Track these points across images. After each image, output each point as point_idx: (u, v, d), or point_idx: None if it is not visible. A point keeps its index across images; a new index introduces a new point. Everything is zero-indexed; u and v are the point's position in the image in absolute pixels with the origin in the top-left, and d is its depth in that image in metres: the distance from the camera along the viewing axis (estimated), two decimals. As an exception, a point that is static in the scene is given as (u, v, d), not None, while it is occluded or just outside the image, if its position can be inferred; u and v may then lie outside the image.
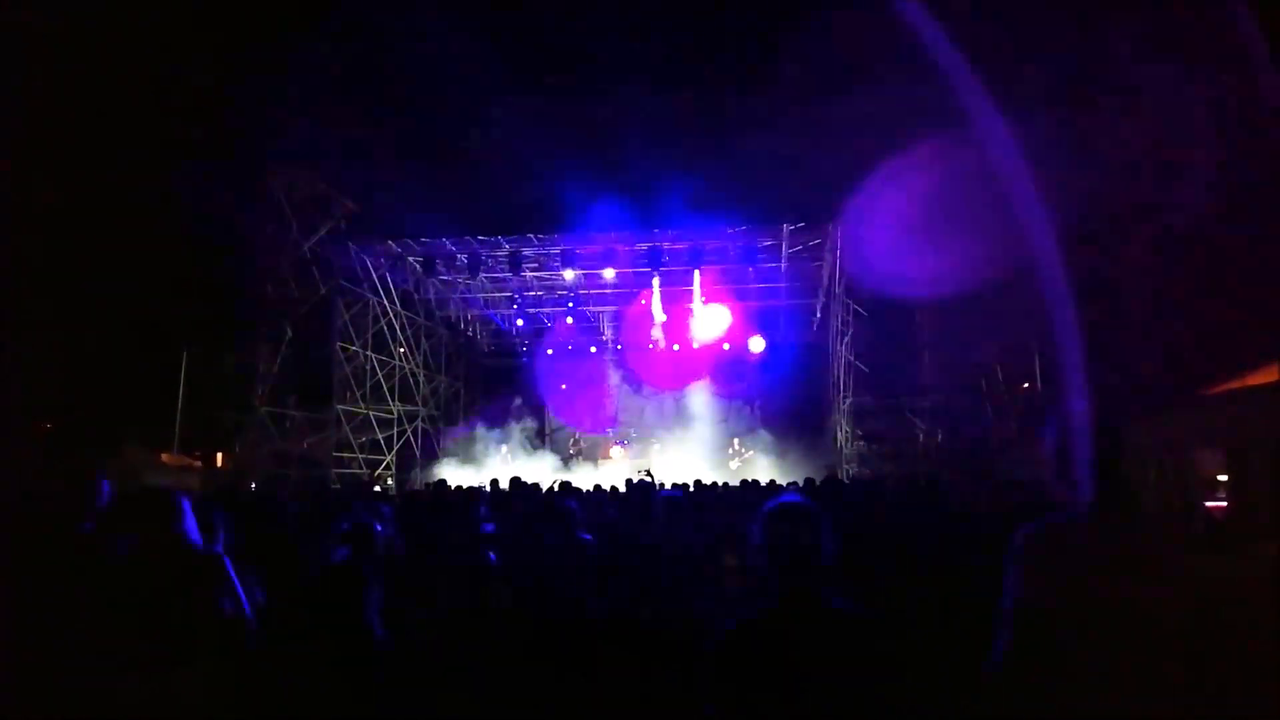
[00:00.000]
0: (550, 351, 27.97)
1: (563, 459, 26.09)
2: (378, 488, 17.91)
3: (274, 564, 4.50)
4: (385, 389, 23.39)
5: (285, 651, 3.82)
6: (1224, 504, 12.51)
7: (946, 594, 4.26)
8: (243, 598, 3.46)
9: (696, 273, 22.16)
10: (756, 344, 25.63)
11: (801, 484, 10.01)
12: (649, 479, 8.55)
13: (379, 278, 23.08)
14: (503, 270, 23.06)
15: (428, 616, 4.53)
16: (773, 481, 13.12)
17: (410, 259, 23.36)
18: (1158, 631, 2.33)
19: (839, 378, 20.80)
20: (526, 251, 22.20)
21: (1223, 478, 12.94)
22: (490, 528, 5.77)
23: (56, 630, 3.24)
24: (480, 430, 26.84)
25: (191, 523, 3.49)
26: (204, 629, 3.31)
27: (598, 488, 11.03)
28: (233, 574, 3.45)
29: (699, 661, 2.36)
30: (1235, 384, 12.88)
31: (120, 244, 22.53)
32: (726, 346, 25.63)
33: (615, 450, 27.18)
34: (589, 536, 5.21)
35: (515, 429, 26.82)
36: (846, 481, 16.01)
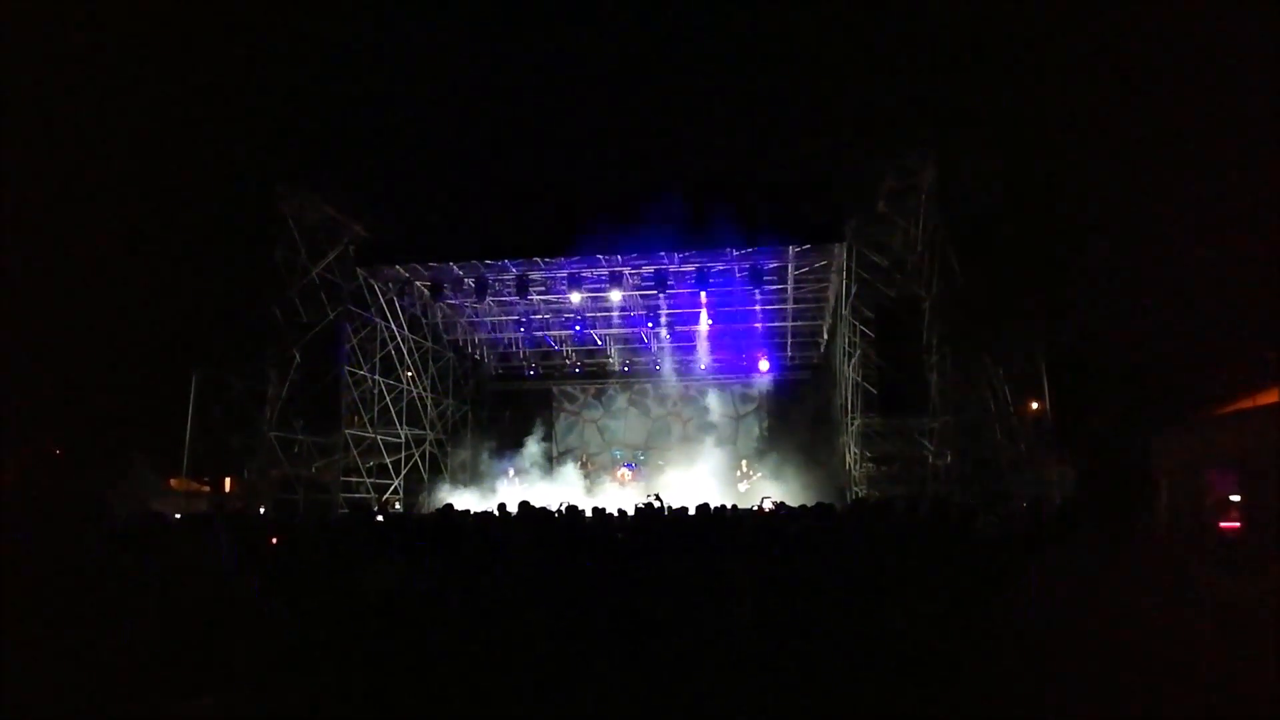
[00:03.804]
0: (557, 375, 28.06)
1: (585, 480, 26.13)
2: (380, 516, 17.84)
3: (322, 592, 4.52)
4: (393, 413, 23.42)
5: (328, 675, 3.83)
6: (1237, 524, 12.41)
7: (964, 613, 4.23)
8: (271, 622, 3.45)
9: (703, 294, 22.19)
10: (763, 364, 25.76)
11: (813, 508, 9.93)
12: (658, 504, 8.54)
13: (386, 302, 23.17)
14: (510, 293, 23.13)
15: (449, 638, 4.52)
16: (782, 503, 13.07)
17: (418, 283, 23.46)
18: (1173, 650, 2.31)
19: (847, 399, 20.75)
20: (533, 275, 22.26)
21: (1235, 498, 12.84)
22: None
23: (80, 655, 3.23)
24: (488, 454, 26.85)
25: (232, 551, 3.50)
26: (233, 655, 3.31)
27: (598, 510, 10.97)
28: (261, 600, 3.46)
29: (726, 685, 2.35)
30: (1246, 403, 12.81)
31: (129, 268, 22.68)
32: None
33: (624, 473, 27.13)
34: (599, 562, 5.20)
35: (523, 452, 26.82)
36: (854, 503, 15.95)
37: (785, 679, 3.91)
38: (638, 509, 9.07)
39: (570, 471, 26.77)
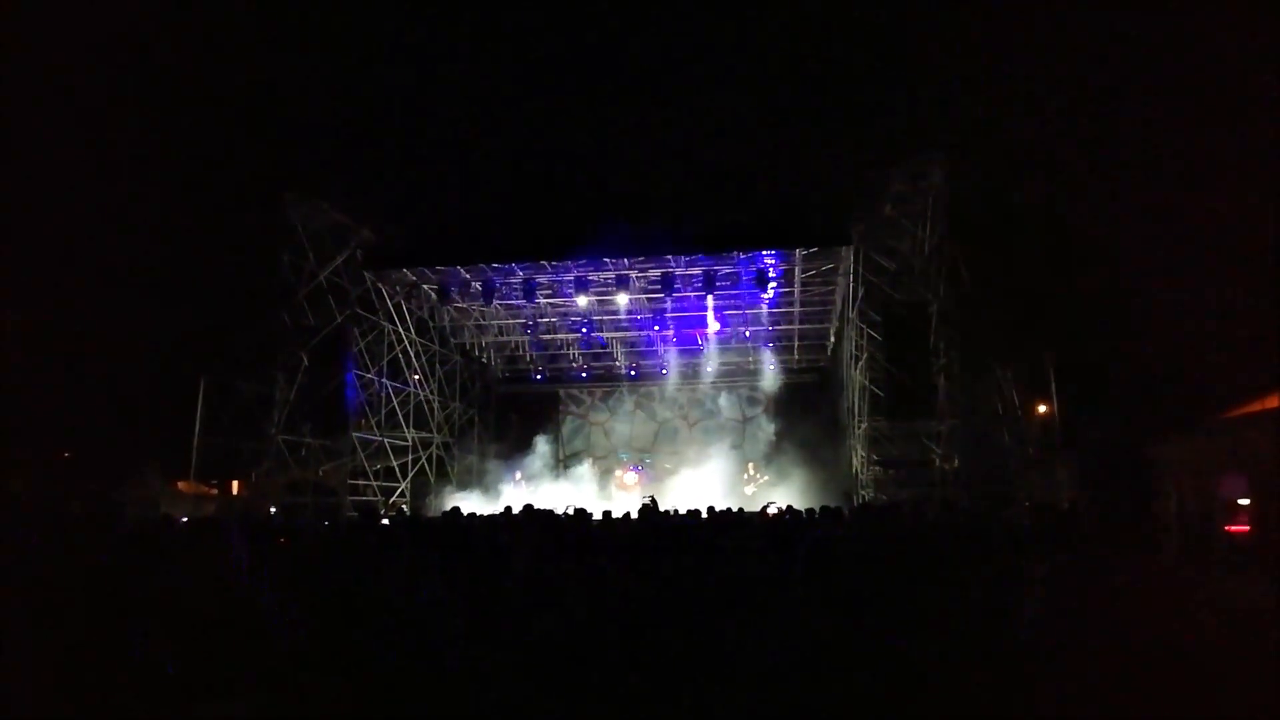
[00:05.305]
0: (563, 378, 28.06)
1: (596, 484, 26.18)
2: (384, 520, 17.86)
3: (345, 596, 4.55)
4: (400, 416, 23.46)
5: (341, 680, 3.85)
6: (1246, 527, 12.34)
7: (970, 616, 4.22)
8: (282, 627, 3.47)
9: (710, 298, 22.16)
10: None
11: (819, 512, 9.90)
12: (652, 505, 8.55)
13: (394, 305, 23.21)
14: (516, 297, 23.15)
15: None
16: (789, 507, 13.03)
17: (425, 287, 23.50)
18: (1179, 656, 2.31)
19: (854, 402, 20.70)
20: (540, 278, 22.28)
21: (1244, 501, 12.77)
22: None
23: (91, 658, 3.25)
24: (494, 457, 26.87)
25: (242, 555, 3.52)
26: (247, 658, 3.32)
27: (606, 514, 11.00)
28: (273, 605, 3.47)
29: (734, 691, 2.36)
30: (1255, 407, 12.75)
31: (138, 273, 22.81)
32: None
33: (629, 476, 27.13)
34: (604, 563, 5.21)
35: (530, 455, 26.84)
36: (862, 506, 15.91)
37: (788, 682, 3.91)
38: (641, 512, 9.08)
39: (583, 474, 26.78)
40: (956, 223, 18.33)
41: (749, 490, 25.03)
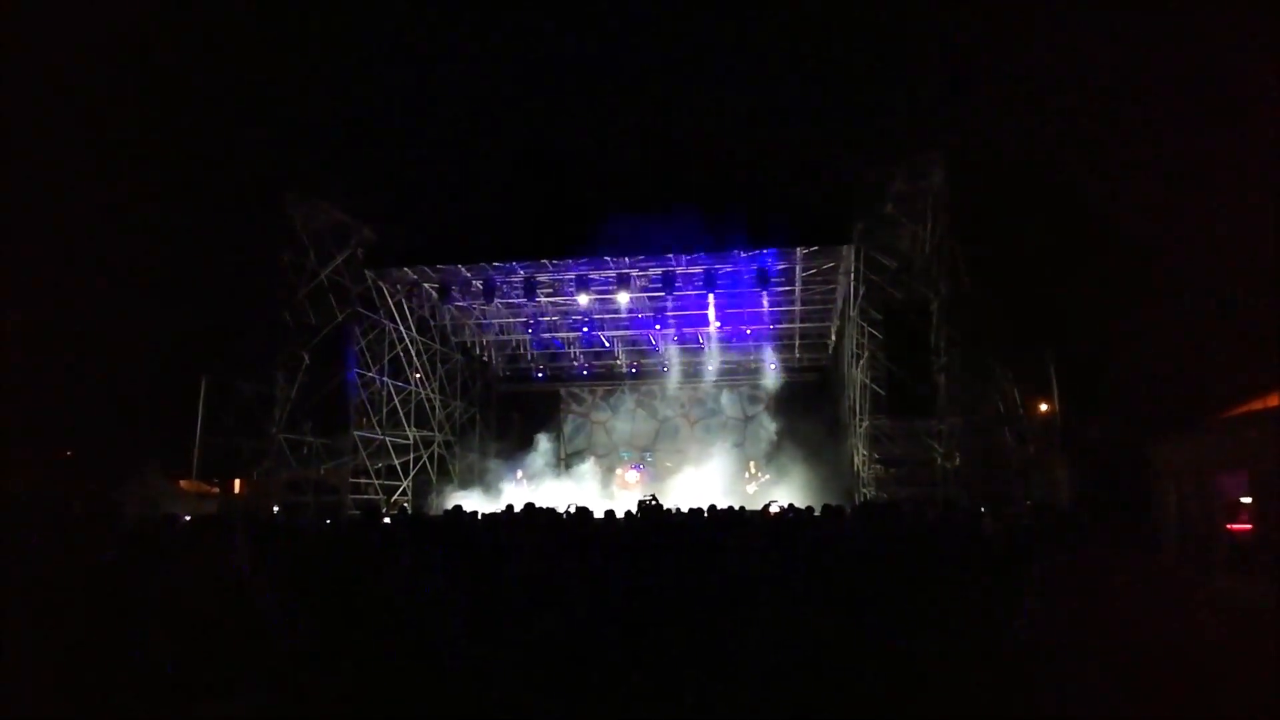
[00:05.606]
0: (565, 376, 28.07)
1: (598, 484, 26.22)
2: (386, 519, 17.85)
3: (332, 592, 4.55)
4: (401, 414, 23.47)
5: (341, 678, 3.85)
6: (1248, 526, 12.32)
7: (969, 616, 4.22)
8: (284, 625, 3.47)
9: (710, 296, 22.15)
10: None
11: (820, 511, 9.89)
12: (654, 504, 8.56)
13: (395, 304, 23.22)
14: (517, 295, 23.16)
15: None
16: (791, 505, 13.03)
17: (426, 285, 23.50)
18: (1180, 656, 2.31)
19: (855, 401, 20.71)
20: (541, 277, 22.29)
21: (1246, 500, 12.76)
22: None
23: (91, 657, 3.26)
24: (496, 456, 26.89)
25: (244, 553, 3.52)
26: (248, 658, 3.33)
27: (609, 513, 11.00)
28: (275, 603, 3.47)
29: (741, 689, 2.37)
30: (1257, 405, 12.73)
31: (139, 273, 22.81)
32: None
33: (631, 475, 27.15)
34: (603, 561, 5.21)
35: (532, 454, 26.86)
36: (862, 505, 15.91)
37: (789, 682, 3.91)
38: (641, 509, 9.09)
39: (585, 473, 26.80)
40: (957, 221, 18.33)
41: (750, 489, 25.03)
